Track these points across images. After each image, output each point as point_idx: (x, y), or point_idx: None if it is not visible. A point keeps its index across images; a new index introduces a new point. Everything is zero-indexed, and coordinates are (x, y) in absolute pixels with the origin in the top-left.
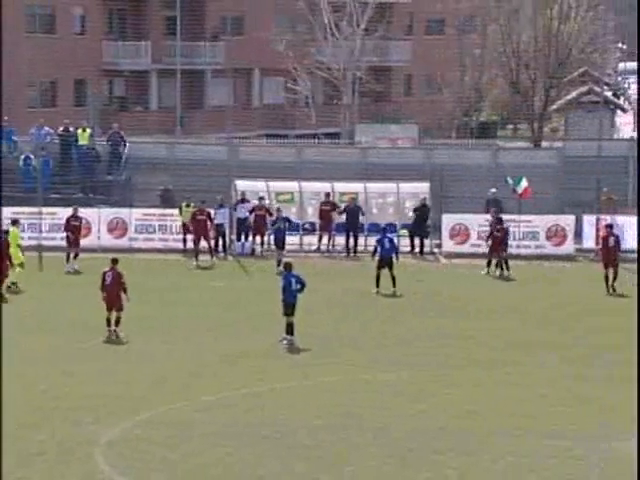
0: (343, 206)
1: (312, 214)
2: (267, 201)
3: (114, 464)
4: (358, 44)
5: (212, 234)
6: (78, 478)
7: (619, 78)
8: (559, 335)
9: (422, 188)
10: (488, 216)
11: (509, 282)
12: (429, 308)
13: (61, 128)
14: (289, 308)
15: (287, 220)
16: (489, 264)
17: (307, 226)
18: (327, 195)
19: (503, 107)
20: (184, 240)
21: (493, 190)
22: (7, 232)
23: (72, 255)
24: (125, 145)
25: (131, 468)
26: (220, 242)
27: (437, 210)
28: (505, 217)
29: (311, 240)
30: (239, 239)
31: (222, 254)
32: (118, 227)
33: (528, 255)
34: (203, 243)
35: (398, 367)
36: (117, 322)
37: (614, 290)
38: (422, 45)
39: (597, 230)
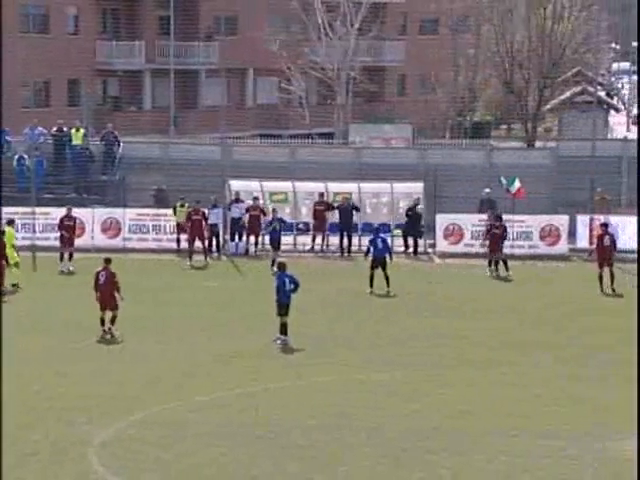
0: (336, 204)
1: (306, 214)
2: (261, 201)
3: (108, 464)
4: (352, 44)
5: (206, 234)
6: (72, 478)
7: (612, 78)
8: (553, 335)
9: (416, 188)
10: (482, 216)
11: (503, 282)
12: (423, 308)
13: (55, 128)
14: (283, 308)
15: (281, 220)
16: (490, 264)
17: (301, 226)
18: (321, 195)
19: (497, 107)
20: (178, 240)
21: (487, 190)
22: (3, 232)
23: (67, 256)
24: (119, 145)
25: (125, 468)
26: (214, 242)
27: (431, 210)
28: None
29: (305, 240)
30: (233, 239)
31: (216, 254)
32: (112, 227)
33: (522, 255)
34: (198, 243)
35: (392, 367)
36: (112, 321)
37: (613, 291)
38: (416, 45)
39: (591, 230)
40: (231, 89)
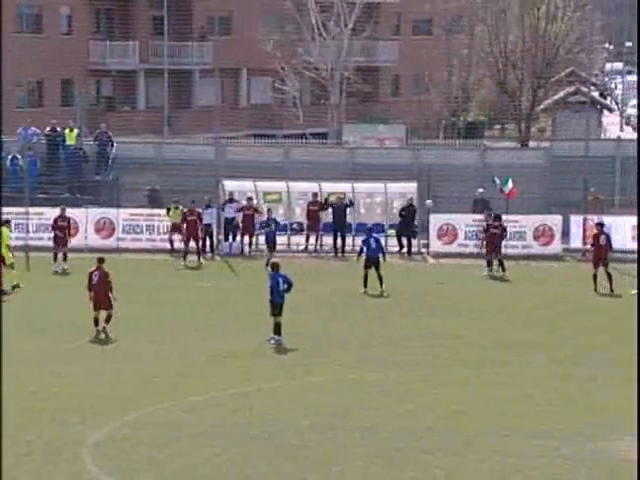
0: (330, 201)
1: (300, 214)
2: (255, 201)
3: (101, 464)
4: (346, 44)
5: (200, 234)
6: (65, 478)
7: (606, 78)
8: (546, 335)
9: (410, 188)
10: (476, 216)
11: (497, 282)
12: (417, 308)
13: (48, 128)
14: (276, 308)
15: (275, 221)
16: (489, 264)
17: (295, 226)
18: (315, 195)
19: (490, 107)
20: (171, 241)
21: (480, 190)
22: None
23: (61, 256)
24: (112, 145)
25: (118, 468)
26: (208, 242)
27: (425, 210)
28: None
29: (299, 240)
30: (227, 239)
31: (210, 254)
32: (105, 227)
33: (515, 255)
34: (192, 243)
35: (386, 367)
36: (108, 320)
37: (612, 291)
38: (409, 45)
39: (584, 230)
40: (225, 89)
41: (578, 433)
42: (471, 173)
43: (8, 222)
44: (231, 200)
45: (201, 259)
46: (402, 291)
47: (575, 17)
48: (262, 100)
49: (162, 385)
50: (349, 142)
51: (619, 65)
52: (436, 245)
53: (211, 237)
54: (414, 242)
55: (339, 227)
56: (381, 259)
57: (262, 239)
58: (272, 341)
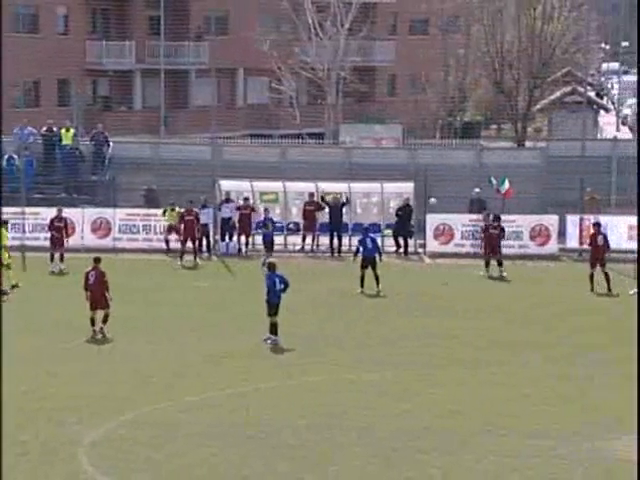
0: (326, 200)
1: (296, 214)
2: (251, 201)
3: (98, 464)
4: (342, 44)
5: (197, 235)
6: (62, 478)
7: (602, 78)
8: (543, 334)
9: (406, 188)
10: (473, 216)
11: (494, 282)
12: (413, 308)
13: (44, 128)
14: (273, 308)
15: (272, 221)
16: (488, 264)
17: (291, 226)
18: (311, 195)
19: (487, 107)
20: (166, 241)
21: (477, 190)
22: None
23: (58, 257)
24: (108, 145)
25: (115, 468)
26: (204, 242)
27: (421, 210)
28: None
29: (295, 240)
30: (223, 239)
31: (206, 254)
32: (102, 227)
33: (512, 255)
34: (189, 243)
35: (382, 367)
36: (105, 320)
37: (609, 291)
38: (406, 45)
39: (581, 230)
40: (221, 89)
41: (574, 433)
42: (467, 173)
43: (6, 223)
44: (227, 200)
45: (197, 259)
46: (398, 291)
47: (571, 17)
48: (259, 100)
49: (159, 385)
50: (346, 142)
51: (615, 65)
52: (433, 245)
53: (207, 237)
54: (410, 242)
55: (335, 227)
56: (377, 259)
57: (259, 239)
58: (269, 341)
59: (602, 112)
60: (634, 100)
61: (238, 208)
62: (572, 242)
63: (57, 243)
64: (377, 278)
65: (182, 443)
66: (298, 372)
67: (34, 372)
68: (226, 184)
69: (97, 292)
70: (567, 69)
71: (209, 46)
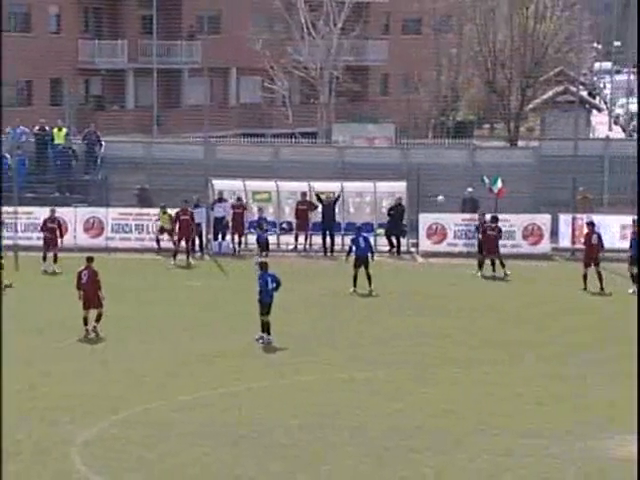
0: (320, 198)
1: (289, 213)
2: (244, 200)
3: (90, 464)
4: (335, 43)
5: (192, 234)
6: (54, 477)
7: (594, 78)
8: (535, 334)
9: (399, 187)
10: (465, 215)
11: (486, 281)
12: (406, 307)
13: (37, 127)
14: (265, 308)
15: (266, 221)
16: (481, 265)
17: (284, 225)
18: (303, 195)
19: (479, 106)
20: (157, 241)
21: (470, 189)
22: None
23: (51, 257)
24: (101, 145)
25: (107, 467)
26: (197, 242)
27: (414, 209)
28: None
29: (288, 240)
30: (216, 238)
31: (199, 254)
32: (94, 226)
33: (504, 254)
34: (183, 243)
35: (375, 366)
36: (98, 319)
37: (602, 290)
38: (399, 44)
39: (573, 229)
40: (214, 88)
41: (567, 432)
42: (460, 172)
43: (1, 223)
44: (220, 199)
45: (190, 258)
46: (391, 290)
47: (564, 16)
48: (251, 99)
49: (151, 384)
50: (338, 141)
51: (608, 64)
52: (425, 244)
53: (200, 236)
54: (403, 241)
55: (328, 226)
56: (370, 258)
57: (252, 239)
58: (261, 340)
59: (594, 112)
60: (626, 100)
61: (233, 207)
62: (565, 241)
63: (50, 244)
64: (369, 277)
65: (175, 442)
66: (290, 371)
67: (27, 371)
68: (219, 183)
69: (90, 291)
70: (559, 69)
71: (202, 45)
